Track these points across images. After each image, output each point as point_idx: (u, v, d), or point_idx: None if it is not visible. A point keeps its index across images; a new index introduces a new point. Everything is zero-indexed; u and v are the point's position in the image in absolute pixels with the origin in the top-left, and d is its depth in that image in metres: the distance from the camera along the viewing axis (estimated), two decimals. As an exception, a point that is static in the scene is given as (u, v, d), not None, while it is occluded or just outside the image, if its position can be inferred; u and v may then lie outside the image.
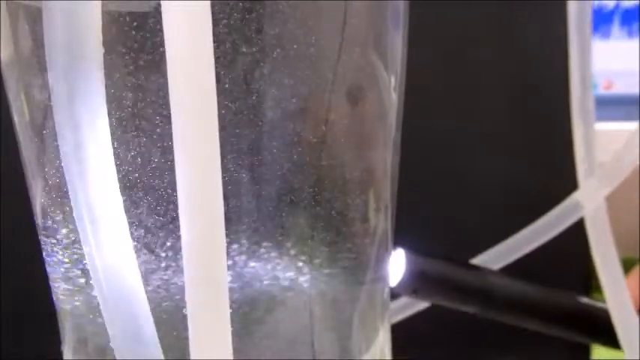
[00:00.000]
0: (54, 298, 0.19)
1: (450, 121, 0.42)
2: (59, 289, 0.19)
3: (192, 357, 0.15)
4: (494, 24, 0.42)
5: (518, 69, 0.42)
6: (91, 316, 0.18)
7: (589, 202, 0.29)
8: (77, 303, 0.18)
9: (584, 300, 0.32)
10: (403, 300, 0.32)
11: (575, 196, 0.30)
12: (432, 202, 0.41)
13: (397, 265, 0.29)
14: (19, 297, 0.20)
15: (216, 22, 0.16)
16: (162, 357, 0.14)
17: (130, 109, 0.17)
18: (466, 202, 0.41)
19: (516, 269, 0.32)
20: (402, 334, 0.29)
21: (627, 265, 0.37)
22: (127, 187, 0.17)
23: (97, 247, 0.14)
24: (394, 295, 0.31)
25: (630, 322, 0.28)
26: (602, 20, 0.55)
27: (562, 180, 0.30)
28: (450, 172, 0.42)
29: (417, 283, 0.29)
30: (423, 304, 0.32)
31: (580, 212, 0.29)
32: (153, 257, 0.17)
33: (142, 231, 0.18)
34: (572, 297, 0.33)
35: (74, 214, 0.14)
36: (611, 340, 0.30)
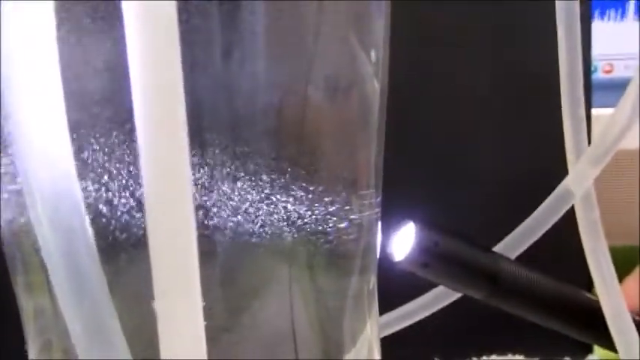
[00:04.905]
0: (17, 301, 0.19)
1: (444, 113, 0.42)
2: (21, 290, 0.19)
3: (162, 357, 0.14)
4: (489, 13, 0.41)
5: (514, 59, 0.42)
6: (55, 318, 0.17)
7: (578, 186, 0.29)
8: (40, 304, 0.18)
9: (594, 298, 0.31)
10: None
11: (565, 183, 0.29)
12: (423, 199, 0.40)
13: (406, 238, 0.28)
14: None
15: (186, 10, 0.16)
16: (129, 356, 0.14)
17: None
18: (460, 197, 0.41)
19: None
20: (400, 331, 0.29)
21: (628, 254, 0.36)
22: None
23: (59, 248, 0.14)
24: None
25: (617, 302, 0.28)
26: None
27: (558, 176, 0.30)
28: (443, 166, 0.41)
29: (428, 256, 0.28)
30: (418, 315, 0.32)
31: (572, 200, 0.29)
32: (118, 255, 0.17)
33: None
34: (582, 293, 0.32)
35: (31, 216, 0.14)
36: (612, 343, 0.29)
